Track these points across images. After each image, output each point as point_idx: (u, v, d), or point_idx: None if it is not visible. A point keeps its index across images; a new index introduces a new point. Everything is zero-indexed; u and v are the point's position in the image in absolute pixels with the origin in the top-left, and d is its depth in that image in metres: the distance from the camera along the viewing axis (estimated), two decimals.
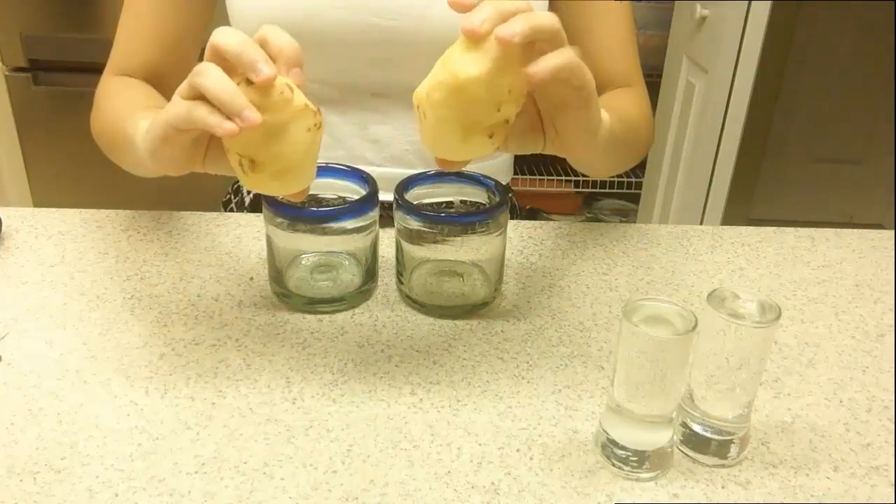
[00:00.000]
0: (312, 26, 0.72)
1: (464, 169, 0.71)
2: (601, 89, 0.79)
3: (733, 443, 0.52)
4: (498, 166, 0.87)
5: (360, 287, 0.68)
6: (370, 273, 0.68)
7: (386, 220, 0.69)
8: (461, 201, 0.70)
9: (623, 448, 0.51)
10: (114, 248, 0.75)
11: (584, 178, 2.52)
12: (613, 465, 0.52)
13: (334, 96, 0.78)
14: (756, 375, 0.51)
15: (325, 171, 0.67)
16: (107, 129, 0.72)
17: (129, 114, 0.65)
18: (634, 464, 0.51)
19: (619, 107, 0.70)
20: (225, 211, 0.92)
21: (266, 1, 0.73)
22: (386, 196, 0.67)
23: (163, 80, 0.78)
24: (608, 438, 0.52)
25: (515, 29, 0.46)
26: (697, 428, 0.53)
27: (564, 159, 0.59)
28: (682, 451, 0.53)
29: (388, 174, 0.78)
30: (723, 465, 0.52)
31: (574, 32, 0.79)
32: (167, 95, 0.64)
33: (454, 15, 0.71)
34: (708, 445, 0.52)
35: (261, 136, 0.50)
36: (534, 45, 0.48)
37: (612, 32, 0.79)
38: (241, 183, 0.69)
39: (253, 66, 0.47)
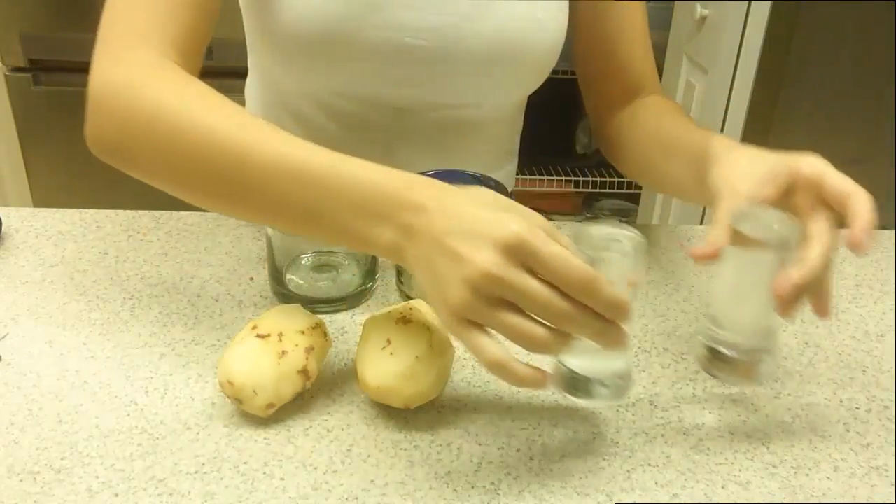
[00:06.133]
0: (346, 43, 0.68)
1: (465, 169, 0.71)
2: (630, 90, 0.80)
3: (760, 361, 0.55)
4: (502, 177, 0.86)
5: (359, 287, 0.68)
6: (370, 273, 0.68)
7: None
8: None
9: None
10: (114, 248, 0.75)
11: (584, 178, 2.52)
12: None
13: (355, 110, 0.75)
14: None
15: None
16: (202, 150, 0.52)
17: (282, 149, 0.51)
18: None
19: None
20: None
21: (302, 11, 0.67)
22: None
23: (188, 60, 0.61)
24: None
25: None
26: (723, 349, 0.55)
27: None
28: (710, 374, 0.57)
29: None
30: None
31: (605, 34, 0.79)
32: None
33: (486, 37, 0.70)
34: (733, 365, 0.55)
35: None
36: None
37: (638, 34, 0.80)
38: None
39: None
